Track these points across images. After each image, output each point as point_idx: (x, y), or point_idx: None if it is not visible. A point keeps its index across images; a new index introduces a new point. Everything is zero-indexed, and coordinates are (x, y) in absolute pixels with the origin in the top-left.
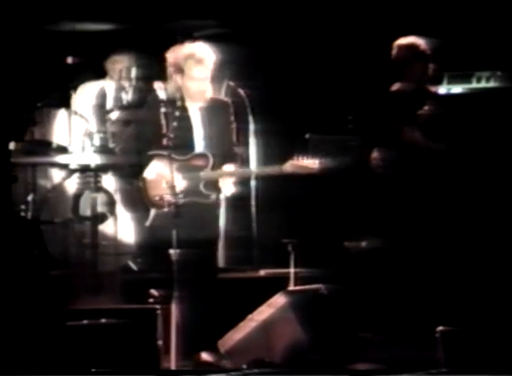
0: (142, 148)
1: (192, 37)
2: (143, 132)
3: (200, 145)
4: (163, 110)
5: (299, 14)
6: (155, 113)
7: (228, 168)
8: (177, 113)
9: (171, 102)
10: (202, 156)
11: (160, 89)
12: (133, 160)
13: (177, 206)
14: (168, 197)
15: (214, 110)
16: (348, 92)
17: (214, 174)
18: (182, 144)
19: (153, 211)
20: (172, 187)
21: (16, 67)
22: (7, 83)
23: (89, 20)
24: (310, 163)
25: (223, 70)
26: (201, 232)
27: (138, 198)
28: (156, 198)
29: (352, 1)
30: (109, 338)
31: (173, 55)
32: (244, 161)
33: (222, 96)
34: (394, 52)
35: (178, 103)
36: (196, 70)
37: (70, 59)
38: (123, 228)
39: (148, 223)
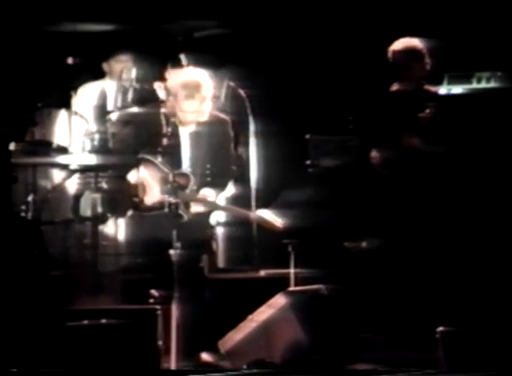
0: (138, 148)
1: (191, 38)
2: (140, 133)
3: (186, 163)
4: (161, 110)
5: (299, 15)
6: (153, 115)
7: (206, 191)
8: (169, 129)
9: (168, 115)
10: (183, 175)
11: (160, 89)
12: (131, 160)
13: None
14: (146, 203)
15: (208, 130)
16: (349, 93)
17: (188, 197)
18: (172, 155)
19: (130, 211)
20: (152, 194)
21: (17, 68)
22: (7, 83)
23: (89, 21)
24: (275, 219)
25: (223, 71)
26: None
27: (123, 198)
28: (136, 200)
29: (353, 1)
30: (109, 338)
31: (170, 78)
32: (242, 169)
33: (221, 113)
34: (391, 52)
35: (172, 120)
36: (187, 104)
37: (70, 60)
38: (123, 228)
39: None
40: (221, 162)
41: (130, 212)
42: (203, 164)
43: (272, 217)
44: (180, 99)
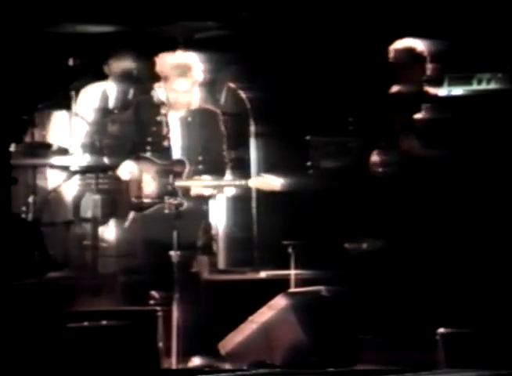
0: (128, 149)
1: (191, 40)
2: (126, 134)
3: (177, 152)
4: (150, 113)
5: (299, 17)
6: (140, 116)
7: (204, 178)
8: (161, 117)
9: (157, 105)
10: (179, 162)
11: (158, 90)
12: (115, 160)
13: (156, 209)
14: (146, 200)
15: (199, 119)
16: (349, 94)
17: (186, 183)
18: (162, 149)
19: (132, 213)
20: (149, 190)
21: (17, 69)
22: (8, 84)
23: (90, 22)
24: (274, 180)
25: (223, 73)
26: (181, 235)
27: (120, 200)
28: (134, 200)
29: (353, 3)
30: (109, 339)
31: (159, 62)
32: (239, 167)
33: (211, 106)
34: (391, 54)
35: (163, 110)
36: (179, 82)
37: (71, 61)
38: (124, 230)
39: (126, 224)
40: (214, 151)
41: (131, 214)
42: (196, 153)
43: (271, 180)
44: (171, 79)
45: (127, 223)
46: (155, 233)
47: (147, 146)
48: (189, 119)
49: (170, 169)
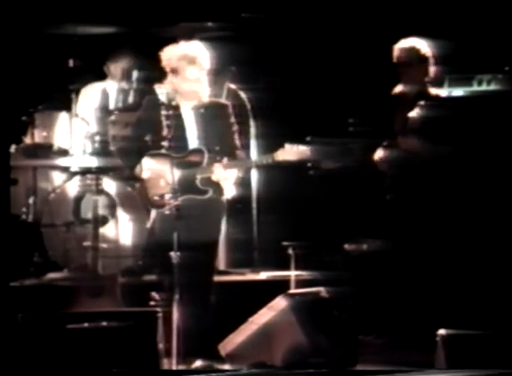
0: (138, 149)
1: (189, 38)
2: (140, 134)
3: (194, 144)
4: (159, 111)
5: (300, 17)
6: (151, 115)
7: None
8: (171, 113)
9: (167, 102)
10: (197, 151)
11: (159, 90)
12: (131, 162)
13: (178, 207)
14: (168, 196)
15: (211, 111)
16: (350, 95)
17: (209, 168)
18: (176, 143)
19: (153, 213)
20: (170, 185)
21: (18, 70)
22: (8, 85)
23: (91, 23)
24: (303, 149)
25: (224, 73)
26: (203, 234)
27: (139, 199)
28: (156, 198)
29: (354, 3)
30: (110, 340)
31: (166, 56)
32: (246, 152)
33: (222, 99)
34: (395, 54)
35: (174, 103)
36: (189, 70)
37: (71, 62)
38: (124, 231)
39: (149, 225)
40: (229, 142)
41: (153, 213)
42: (213, 142)
43: (299, 149)
44: (181, 69)
45: (149, 223)
46: (156, 233)
47: (162, 142)
48: (202, 110)
49: (188, 160)
